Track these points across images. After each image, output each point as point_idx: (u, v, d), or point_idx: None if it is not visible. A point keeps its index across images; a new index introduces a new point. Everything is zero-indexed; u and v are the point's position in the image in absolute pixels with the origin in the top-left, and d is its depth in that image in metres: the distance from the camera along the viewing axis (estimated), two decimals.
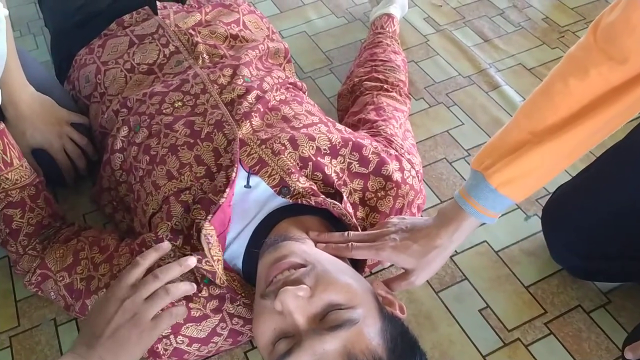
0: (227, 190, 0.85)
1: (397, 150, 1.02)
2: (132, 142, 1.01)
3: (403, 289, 0.88)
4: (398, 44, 1.41)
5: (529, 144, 0.78)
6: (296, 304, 0.71)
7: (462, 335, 0.97)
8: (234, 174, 0.88)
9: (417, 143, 1.23)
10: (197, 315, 0.86)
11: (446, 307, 1.01)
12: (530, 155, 0.78)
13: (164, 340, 0.86)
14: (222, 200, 0.84)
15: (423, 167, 1.15)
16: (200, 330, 0.87)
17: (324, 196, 0.89)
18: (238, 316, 0.89)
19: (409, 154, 1.04)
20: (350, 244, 0.86)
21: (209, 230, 0.81)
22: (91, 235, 1.00)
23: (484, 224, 0.85)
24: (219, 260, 0.82)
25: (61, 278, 0.94)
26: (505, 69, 1.45)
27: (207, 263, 0.81)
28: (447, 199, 1.17)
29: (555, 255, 1.02)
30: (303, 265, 0.76)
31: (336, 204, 0.87)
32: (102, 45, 1.19)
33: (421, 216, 1.08)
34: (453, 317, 0.99)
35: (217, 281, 0.83)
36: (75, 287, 0.92)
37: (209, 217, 0.81)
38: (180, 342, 0.86)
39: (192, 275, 0.86)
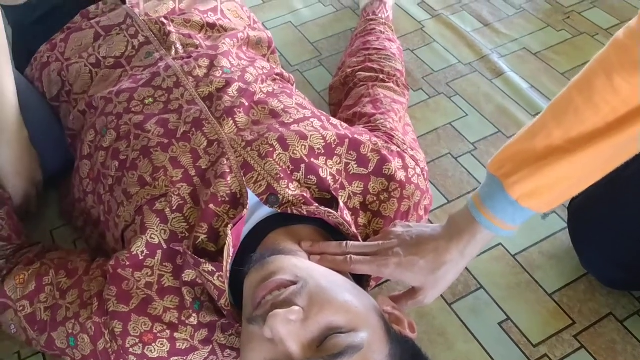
0: (248, 201, 0.76)
1: (399, 146, 0.91)
2: (99, 146, 0.89)
3: (411, 308, 0.78)
4: (392, 31, 1.30)
5: (559, 151, 0.66)
6: (288, 330, 0.61)
7: (481, 353, 0.86)
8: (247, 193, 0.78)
9: (418, 138, 1.12)
10: (184, 347, 0.75)
11: (461, 321, 0.90)
12: (561, 164, 0.66)
13: None
14: (245, 211, 0.75)
15: (427, 163, 1.03)
16: None
17: (317, 204, 0.77)
18: (231, 347, 0.78)
19: (412, 150, 0.93)
20: (349, 257, 0.75)
21: (229, 240, 0.71)
22: (57, 257, 0.87)
23: None
24: (227, 278, 0.72)
25: (22, 308, 0.81)
26: (508, 55, 1.35)
27: (220, 278, 0.70)
28: (454, 198, 1.07)
29: (587, 264, 0.91)
30: (293, 282, 0.66)
31: (331, 213, 0.76)
32: (64, 39, 1.07)
33: (428, 220, 0.97)
34: (470, 332, 0.89)
35: (222, 302, 0.72)
36: (39, 317, 0.80)
37: (230, 225, 0.72)
38: None
39: (177, 297, 0.74)
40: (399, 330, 0.70)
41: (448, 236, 0.75)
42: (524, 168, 0.68)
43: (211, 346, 0.76)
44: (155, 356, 0.74)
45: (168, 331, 0.74)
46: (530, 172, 0.68)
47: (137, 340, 0.74)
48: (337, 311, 0.63)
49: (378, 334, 0.64)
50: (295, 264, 0.69)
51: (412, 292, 0.78)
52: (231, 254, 0.73)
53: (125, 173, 0.84)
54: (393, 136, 0.93)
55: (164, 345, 0.74)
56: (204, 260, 0.71)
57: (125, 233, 0.81)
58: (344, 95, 1.13)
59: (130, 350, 0.74)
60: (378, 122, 0.97)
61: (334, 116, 1.11)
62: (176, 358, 0.75)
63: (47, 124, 1.05)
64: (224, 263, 0.71)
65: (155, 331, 0.74)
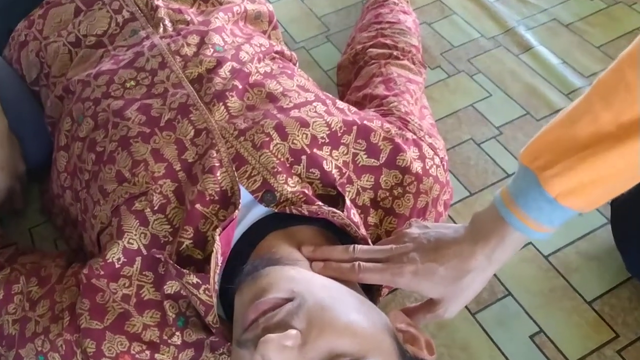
0: (240, 200, 0.67)
1: (415, 133, 0.80)
2: (76, 136, 0.79)
3: (429, 322, 0.67)
4: (407, 2, 1.18)
5: (608, 139, 0.55)
6: (283, 359, 0.52)
7: None
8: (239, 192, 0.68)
9: (436, 122, 1.00)
10: None
11: (487, 333, 0.79)
12: (609, 155, 0.55)
13: None
14: (236, 212, 0.65)
15: (446, 151, 0.92)
16: None
17: (319, 202, 0.67)
18: None
19: (430, 137, 0.81)
20: (357, 264, 0.65)
21: (217, 247, 0.61)
22: (30, 261, 0.78)
23: None
24: (216, 291, 0.63)
25: None
26: (537, 27, 1.23)
27: (207, 291, 0.61)
28: (477, 190, 0.96)
29: (632, 266, 0.80)
30: (289, 300, 0.56)
31: (336, 213, 0.66)
32: (43, 15, 0.97)
33: (448, 216, 0.86)
34: (497, 346, 0.78)
35: (209, 319, 0.62)
36: (6, 331, 0.71)
37: (217, 230, 0.62)
38: None
39: (159, 312, 0.65)
40: (414, 352, 0.60)
41: (472, 239, 0.64)
42: (563, 159, 0.58)
43: None
44: None
45: (148, 352, 0.65)
46: (571, 164, 0.57)
47: None
48: (341, 334, 0.54)
49: None
50: (293, 276, 0.59)
51: (431, 304, 0.67)
52: (219, 263, 0.63)
53: (101, 167, 0.74)
54: (408, 121, 0.82)
55: None
56: (187, 271, 0.61)
57: (101, 236, 0.71)
58: (354, 75, 1.02)
59: None
60: (391, 105, 0.86)
61: (342, 98, 1.01)
62: None
63: (27, 111, 0.95)
64: (211, 274, 0.61)
65: (133, 352, 0.65)
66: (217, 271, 0.63)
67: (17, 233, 0.94)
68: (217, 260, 0.62)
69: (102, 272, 0.66)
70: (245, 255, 0.66)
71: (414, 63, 0.99)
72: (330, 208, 0.67)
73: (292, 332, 0.53)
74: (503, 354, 0.77)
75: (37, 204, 0.96)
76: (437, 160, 0.79)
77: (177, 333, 0.65)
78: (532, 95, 1.10)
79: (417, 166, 0.76)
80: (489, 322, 0.80)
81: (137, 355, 0.65)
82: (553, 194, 0.58)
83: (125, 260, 0.66)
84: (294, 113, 0.74)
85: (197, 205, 0.66)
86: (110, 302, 0.66)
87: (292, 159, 0.71)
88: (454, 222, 0.91)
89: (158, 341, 0.65)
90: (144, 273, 0.66)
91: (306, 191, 0.69)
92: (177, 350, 0.65)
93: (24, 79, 0.97)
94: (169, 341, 0.65)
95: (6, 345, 0.71)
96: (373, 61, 0.99)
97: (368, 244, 0.69)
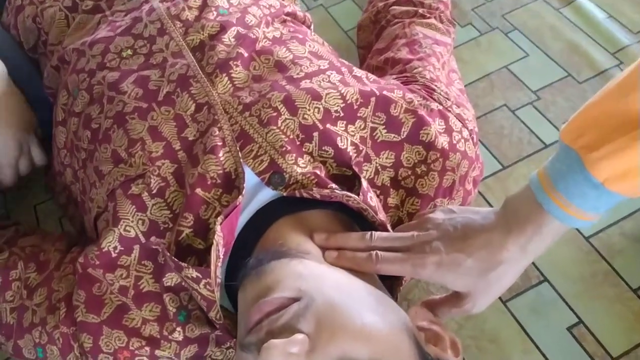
0: (244, 185, 0.61)
1: (441, 103, 0.72)
2: (72, 111, 0.74)
3: (454, 316, 0.60)
4: None
5: None
6: None
7: None
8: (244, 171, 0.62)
9: (466, 86, 0.92)
10: None
11: (519, 324, 0.72)
12: None
13: None
14: (240, 198, 0.59)
15: (476, 119, 0.84)
16: None
17: (333, 185, 0.60)
18: None
19: (458, 107, 0.73)
20: (374, 253, 0.59)
21: (219, 238, 0.55)
22: (30, 244, 0.74)
23: None
24: (219, 284, 0.57)
25: None
26: None
27: (208, 286, 0.55)
28: (510, 163, 0.87)
29: None
30: (296, 299, 0.51)
31: (351, 197, 0.59)
32: None
33: (478, 193, 0.78)
34: (530, 338, 0.71)
35: (212, 315, 0.57)
36: (4, 320, 0.68)
37: (219, 219, 0.56)
38: None
39: (159, 305, 0.60)
40: (436, 353, 0.55)
41: (505, 227, 0.57)
42: (613, 138, 0.50)
43: None
44: None
45: (147, 348, 0.60)
46: (622, 144, 0.49)
47: (111, 358, 0.61)
48: (353, 338, 0.49)
49: None
50: (300, 273, 0.53)
51: (457, 297, 0.61)
52: (221, 256, 0.57)
53: (97, 146, 0.68)
54: (434, 89, 0.74)
55: None
56: (185, 265, 0.56)
57: (98, 222, 0.66)
58: (375, 36, 0.93)
59: None
60: (415, 70, 0.78)
61: (363, 62, 0.93)
62: None
63: (26, 80, 0.89)
64: (212, 268, 0.55)
65: (132, 348, 0.60)
66: (219, 264, 0.57)
67: (22, 210, 0.90)
68: (218, 252, 0.56)
69: (97, 262, 0.61)
70: (250, 244, 0.60)
71: (441, 21, 0.90)
72: (344, 192, 0.60)
73: (299, 337, 0.48)
74: (537, 347, 0.70)
75: (43, 180, 0.92)
76: (465, 133, 0.71)
77: (178, 329, 0.60)
78: (574, 54, 1.00)
79: (442, 141, 0.68)
80: (522, 311, 0.73)
81: (136, 352, 0.60)
82: (600, 179, 0.50)
83: (122, 249, 0.61)
84: (305, 84, 0.67)
85: (198, 190, 0.60)
86: (108, 294, 0.61)
87: (303, 136, 0.64)
88: (484, 199, 0.83)
89: (158, 336, 0.60)
90: (142, 263, 0.61)
91: (318, 172, 0.62)
92: (178, 346, 0.61)
93: (22, 47, 0.91)
94: (170, 337, 0.60)
95: (5, 335, 0.68)
96: (396, 20, 0.91)
97: (387, 230, 0.62)
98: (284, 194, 0.61)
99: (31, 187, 0.92)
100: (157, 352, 0.60)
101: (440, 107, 0.71)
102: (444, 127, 0.69)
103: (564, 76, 0.97)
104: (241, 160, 0.62)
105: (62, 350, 0.63)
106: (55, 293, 0.65)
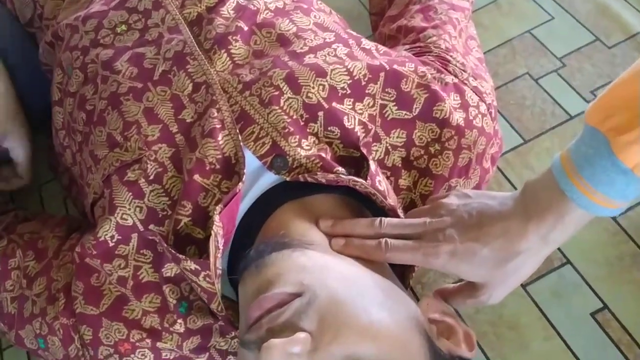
0: (244, 170, 0.57)
1: (456, 76, 0.67)
2: (67, 91, 0.71)
3: (469, 307, 0.57)
4: None
5: None
6: None
7: (566, 356, 0.66)
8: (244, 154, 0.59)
9: (485, 54, 0.86)
10: (172, 357, 0.60)
11: (540, 309, 0.69)
12: None
13: None
14: (240, 185, 0.56)
15: (496, 90, 0.79)
16: None
17: (339, 168, 0.57)
18: (234, 353, 0.61)
19: (476, 79, 0.69)
20: (384, 241, 0.55)
21: (218, 228, 0.53)
22: (29, 231, 0.72)
23: None
24: (219, 276, 0.55)
25: None
26: None
27: (208, 278, 0.53)
28: (532, 136, 0.82)
29: None
30: (298, 295, 0.48)
31: (358, 181, 0.56)
32: None
33: (497, 169, 0.74)
34: (551, 324, 0.68)
35: (214, 307, 0.55)
36: (5, 310, 0.66)
37: (217, 208, 0.53)
38: None
39: (159, 296, 0.58)
40: (449, 348, 0.52)
41: (524, 214, 0.53)
42: None
43: (207, 354, 0.61)
44: None
45: (149, 340, 0.58)
46: None
47: (112, 350, 0.59)
48: (359, 337, 0.46)
49: None
50: (303, 265, 0.50)
51: (472, 288, 0.57)
52: (220, 247, 0.54)
53: (92, 129, 0.65)
54: (449, 60, 0.69)
55: (146, 356, 0.59)
56: (183, 257, 0.53)
57: (94, 208, 0.64)
58: (388, 1, 0.88)
59: None
60: (429, 40, 0.73)
61: (375, 30, 0.87)
62: None
63: (22, 55, 0.86)
64: (211, 259, 0.52)
65: (132, 340, 0.58)
66: (219, 256, 0.54)
67: (26, 191, 0.88)
68: (218, 243, 0.53)
69: (94, 252, 0.59)
70: (252, 233, 0.57)
71: None
72: (350, 177, 0.56)
73: (301, 335, 0.45)
74: (558, 333, 0.67)
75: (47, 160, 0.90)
76: (482, 107, 0.66)
77: (179, 321, 0.58)
78: (603, 17, 0.93)
79: (458, 117, 0.64)
80: (543, 295, 0.69)
81: (137, 344, 0.58)
82: (630, 165, 0.46)
83: (120, 238, 0.59)
84: (309, 59, 0.62)
85: (196, 176, 0.57)
86: (106, 284, 0.59)
87: (307, 116, 0.60)
88: (504, 175, 0.79)
89: (159, 328, 0.58)
90: (141, 252, 0.59)
91: (323, 154, 0.58)
92: (180, 338, 0.58)
93: (18, 21, 0.88)
94: (171, 329, 0.58)
95: (7, 324, 0.66)
96: None
97: (397, 215, 0.59)
98: (287, 179, 0.58)
99: (38, 166, 0.89)
100: (159, 344, 0.58)
101: (456, 80, 0.66)
102: (460, 102, 0.65)
103: (591, 40, 0.90)
104: (241, 143, 0.58)
105: (63, 341, 0.61)
106: (55, 283, 0.63)
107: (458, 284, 0.59)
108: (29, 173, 0.83)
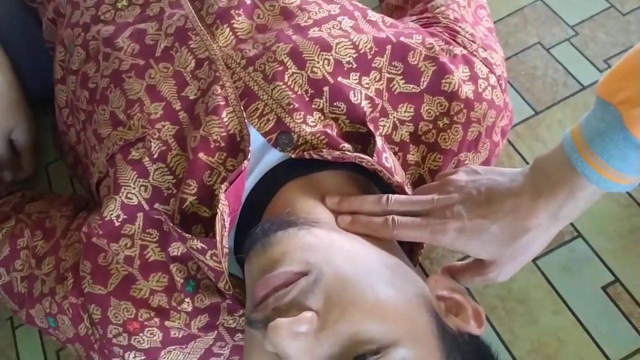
0: (250, 148, 0.56)
1: (465, 47, 0.65)
2: (69, 69, 0.70)
3: (478, 284, 0.56)
4: None
5: None
6: (297, 348, 0.44)
7: (576, 329, 0.66)
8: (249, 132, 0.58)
9: (495, 23, 0.84)
10: (180, 335, 0.60)
11: (550, 283, 0.68)
12: None
13: None
14: (246, 163, 0.55)
15: (506, 60, 0.77)
16: (189, 353, 0.61)
17: (345, 145, 0.56)
18: (243, 330, 0.61)
19: (485, 50, 0.67)
20: (391, 218, 0.54)
21: (224, 207, 0.52)
22: (36, 210, 0.71)
23: None
24: (226, 254, 0.54)
25: None
26: None
27: (214, 257, 0.53)
28: (544, 108, 0.80)
29: None
30: (304, 274, 0.47)
31: (364, 158, 0.55)
32: None
33: (508, 141, 0.73)
34: (561, 298, 0.68)
35: (221, 285, 0.55)
36: (16, 289, 0.66)
37: (223, 187, 0.52)
38: None
39: (166, 275, 0.58)
40: (457, 325, 0.51)
41: (534, 191, 0.51)
42: None
43: (216, 332, 0.60)
44: (146, 347, 0.59)
45: (157, 319, 0.58)
46: None
47: (121, 329, 0.59)
48: (366, 315, 0.45)
49: (427, 347, 0.46)
50: (309, 244, 0.49)
51: (481, 265, 0.56)
52: (226, 225, 0.54)
53: (95, 108, 0.64)
54: (457, 31, 0.67)
55: (155, 335, 0.59)
56: (190, 236, 0.52)
57: (100, 188, 0.63)
58: None
59: (114, 341, 0.59)
60: (437, 10, 0.71)
61: (382, 1, 0.85)
62: (173, 347, 0.59)
63: (23, 32, 0.85)
64: (218, 239, 0.52)
65: (141, 319, 0.58)
66: (225, 234, 0.54)
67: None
68: (224, 222, 0.53)
69: (101, 232, 0.59)
70: (258, 211, 0.57)
71: None
72: (356, 154, 0.55)
73: (307, 314, 0.45)
74: (569, 307, 0.66)
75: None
76: (492, 79, 0.65)
77: (187, 300, 0.58)
78: None
79: (467, 90, 0.62)
80: (553, 269, 0.69)
81: (145, 323, 0.58)
82: None
83: (126, 217, 0.59)
84: (313, 33, 0.61)
85: (201, 155, 0.57)
86: (113, 264, 0.59)
87: (312, 91, 0.59)
88: (514, 148, 0.77)
89: (167, 307, 0.58)
90: (147, 231, 0.58)
91: (329, 131, 0.57)
92: (188, 317, 0.58)
93: None
94: (179, 308, 0.58)
95: (18, 304, 0.67)
96: None
97: (405, 192, 0.58)
98: (293, 156, 0.57)
99: (41, 146, 0.89)
100: (167, 323, 0.58)
101: (465, 52, 0.64)
102: (469, 74, 0.63)
103: (605, 7, 0.88)
104: (246, 120, 0.57)
105: (72, 320, 0.61)
106: (63, 262, 0.63)
107: (466, 261, 0.58)
108: (31, 165, 0.84)
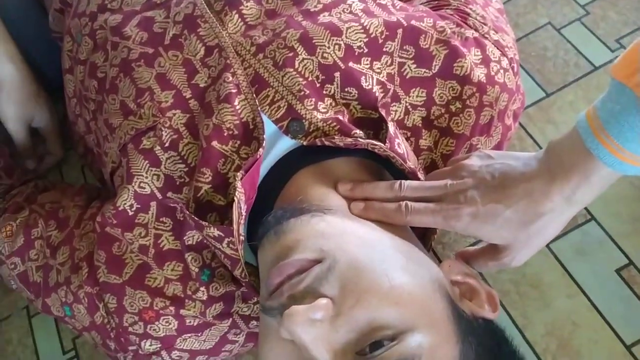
0: (264, 135, 0.56)
1: (476, 29, 0.64)
2: (77, 59, 0.69)
3: (492, 270, 0.56)
4: None
5: None
6: (313, 335, 0.44)
7: (590, 313, 0.65)
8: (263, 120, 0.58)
9: (505, 4, 0.83)
10: (195, 323, 0.60)
11: (563, 266, 0.68)
12: None
13: (153, 357, 0.60)
14: (261, 151, 0.55)
15: (516, 42, 0.76)
16: (204, 340, 0.61)
17: (357, 131, 0.56)
18: (257, 318, 0.62)
19: (497, 32, 0.66)
20: (404, 204, 0.54)
21: (240, 194, 0.52)
22: (49, 200, 0.72)
23: None
24: (242, 242, 0.54)
25: (13, 266, 0.68)
26: None
27: (231, 245, 0.53)
28: (555, 89, 0.79)
29: None
30: (318, 261, 0.47)
31: (376, 145, 0.55)
32: None
33: (519, 125, 0.72)
34: (575, 282, 0.67)
35: (237, 273, 0.55)
36: (31, 279, 0.67)
37: (239, 174, 0.52)
38: (178, 357, 0.61)
39: (180, 264, 0.58)
40: (472, 309, 0.51)
41: (548, 175, 0.51)
42: None
43: (230, 319, 0.61)
44: (162, 335, 0.60)
45: (172, 307, 0.58)
46: None
47: (137, 318, 0.59)
48: (381, 301, 0.45)
49: (442, 332, 0.46)
50: (322, 231, 0.49)
51: (495, 250, 0.56)
52: (243, 213, 0.54)
53: (105, 97, 0.64)
54: (468, 14, 0.66)
55: (170, 324, 0.59)
56: (206, 223, 0.53)
57: (114, 178, 0.63)
58: None
59: (130, 329, 0.59)
60: None
61: None
62: (188, 335, 0.60)
63: (32, 23, 0.84)
64: (235, 227, 0.52)
65: (156, 308, 0.59)
66: (242, 222, 0.54)
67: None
68: (241, 210, 0.53)
69: (114, 221, 0.59)
70: (271, 199, 0.57)
71: None
72: (368, 140, 0.55)
73: (322, 301, 0.45)
74: (582, 291, 0.66)
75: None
76: (504, 62, 0.64)
77: (202, 288, 0.58)
78: None
79: (479, 73, 0.62)
80: (566, 252, 0.69)
81: (161, 311, 0.59)
82: None
83: (139, 206, 0.59)
84: (323, 18, 0.60)
85: (214, 143, 0.56)
86: (128, 253, 0.59)
87: (323, 77, 0.58)
88: (525, 131, 0.77)
89: (182, 296, 0.58)
90: (161, 220, 0.59)
91: (340, 117, 0.57)
92: (203, 305, 0.59)
93: None
94: (194, 296, 0.58)
95: (34, 293, 0.67)
96: None
97: (417, 178, 0.58)
98: (304, 143, 0.57)
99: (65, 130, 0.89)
100: (182, 312, 0.59)
101: (476, 35, 0.64)
102: (481, 57, 0.63)
103: None
104: (259, 108, 0.57)
105: (88, 309, 0.62)
106: (77, 252, 0.63)
107: (480, 246, 0.58)
108: (58, 146, 0.86)
